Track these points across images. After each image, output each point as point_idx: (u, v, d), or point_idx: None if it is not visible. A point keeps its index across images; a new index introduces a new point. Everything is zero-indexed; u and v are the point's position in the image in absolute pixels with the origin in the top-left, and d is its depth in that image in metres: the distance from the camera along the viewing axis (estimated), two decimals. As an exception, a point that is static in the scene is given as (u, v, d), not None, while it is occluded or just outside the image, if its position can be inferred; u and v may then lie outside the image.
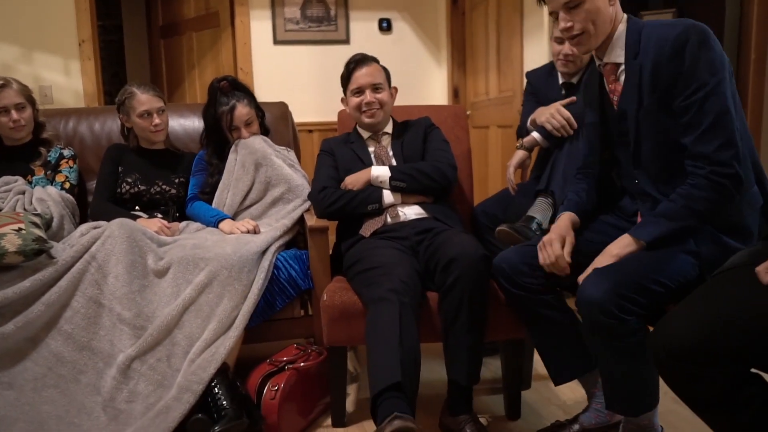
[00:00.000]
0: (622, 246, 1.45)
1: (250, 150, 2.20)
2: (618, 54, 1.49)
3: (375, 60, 2.14)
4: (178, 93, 4.54)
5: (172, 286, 1.82)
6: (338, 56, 4.21)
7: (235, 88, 2.30)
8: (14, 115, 2.25)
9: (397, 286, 1.63)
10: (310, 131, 4.10)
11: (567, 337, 1.64)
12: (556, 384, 1.68)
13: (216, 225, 2.12)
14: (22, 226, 1.83)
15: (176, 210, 2.31)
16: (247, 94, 2.31)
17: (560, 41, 2.07)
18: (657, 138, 1.46)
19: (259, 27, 4.19)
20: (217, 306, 1.79)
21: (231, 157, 2.24)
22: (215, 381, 1.68)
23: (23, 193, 2.19)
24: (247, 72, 4.12)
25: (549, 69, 2.28)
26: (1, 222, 1.82)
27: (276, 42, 4.21)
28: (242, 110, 2.25)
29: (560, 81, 2.19)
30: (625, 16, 1.49)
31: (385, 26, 4.37)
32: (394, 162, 2.09)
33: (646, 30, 1.45)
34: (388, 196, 1.97)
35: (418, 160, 2.08)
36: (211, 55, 4.40)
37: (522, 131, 2.26)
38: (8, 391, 1.71)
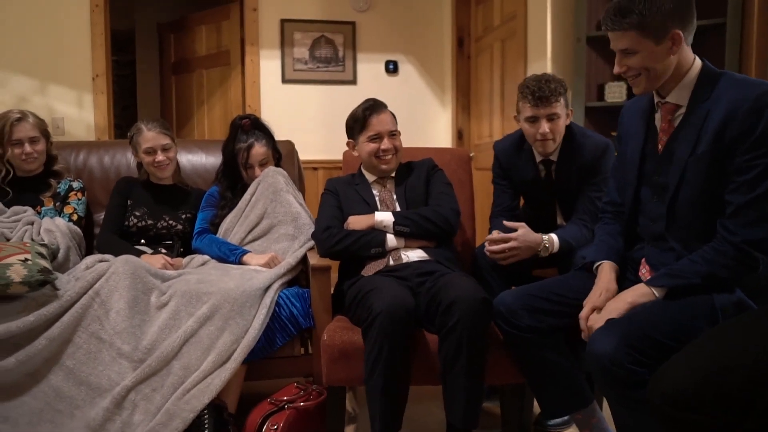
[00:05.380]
0: (637, 295, 1.45)
1: (267, 183, 2.24)
2: (683, 96, 1.47)
3: (386, 106, 2.17)
4: (187, 128, 4.62)
5: (173, 319, 1.84)
6: (345, 96, 4.34)
7: (256, 127, 2.36)
8: (27, 148, 2.30)
9: (388, 301, 1.65)
10: (315, 169, 4.16)
11: (563, 375, 1.67)
12: (550, 419, 1.69)
13: (238, 259, 2.14)
14: (28, 256, 1.85)
15: (181, 245, 2.33)
16: (267, 134, 2.37)
17: (533, 120, 2.00)
18: (701, 187, 1.43)
19: (269, 66, 4.29)
20: (217, 339, 1.80)
21: (249, 190, 2.27)
22: (206, 413, 1.69)
23: (32, 223, 2.22)
24: (254, 109, 4.20)
25: (518, 142, 2.18)
26: (8, 252, 1.84)
27: (284, 81, 4.31)
28: (259, 150, 2.30)
29: (537, 159, 2.13)
30: (700, 62, 1.48)
31: (392, 68, 4.47)
32: (398, 206, 2.12)
33: (724, 79, 1.43)
34: (391, 240, 1.99)
35: (421, 204, 2.11)
36: (221, 92, 4.49)
37: (494, 223, 2.17)
38: (3, 424, 1.70)
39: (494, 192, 2.30)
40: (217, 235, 2.27)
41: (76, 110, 4.08)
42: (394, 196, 2.15)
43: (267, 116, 4.21)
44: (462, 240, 2.35)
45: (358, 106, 2.16)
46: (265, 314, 1.86)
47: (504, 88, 3.70)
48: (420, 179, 2.17)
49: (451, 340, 1.65)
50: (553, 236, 2.00)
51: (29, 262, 1.82)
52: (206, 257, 2.19)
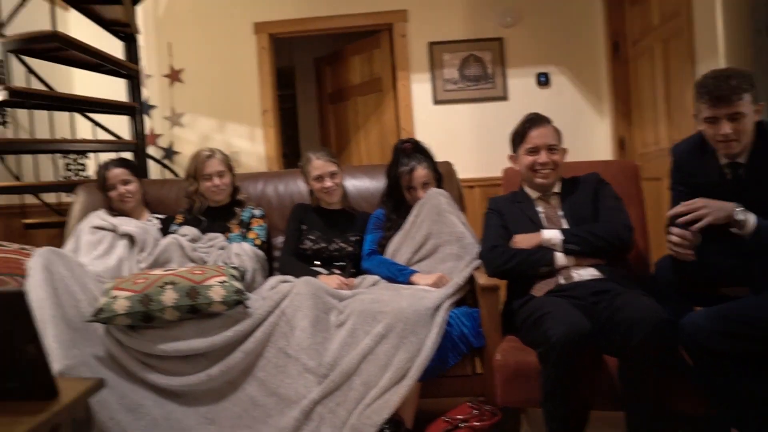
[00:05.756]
0: None
1: (431, 205, 2.31)
2: None
3: (549, 120, 2.15)
4: (346, 153, 4.88)
5: (351, 336, 1.95)
6: (497, 112, 4.33)
7: (417, 150, 2.46)
8: (216, 181, 2.59)
9: (565, 326, 1.60)
10: (471, 187, 4.17)
11: (765, 407, 1.49)
12: None
13: (407, 279, 2.22)
14: (225, 278, 2.07)
15: (352, 266, 2.46)
16: (427, 157, 2.46)
17: (712, 120, 1.79)
18: None
19: (420, 89, 4.41)
20: (393, 356, 1.87)
21: (413, 212, 2.36)
22: (386, 428, 1.76)
23: (223, 248, 2.49)
24: (408, 132, 4.33)
25: (700, 144, 1.96)
26: (209, 275, 2.07)
27: (436, 102, 4.40)
28: (420, 172, 2.39)
29: (722, 161, 1.89)
30: None
31: (543, 80, 4.38)
32: (564, 222, 2.07)
33: None
34: (560, 258, 1.95)
35: (590, 220, 2.04)
36: (375, 117, 4.70)
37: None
38: (211, 426, 1.90)
39: (672, 198, 2.12)
40: (385, 256, 2.37)
41: (249, 143, 4.51)
42: (560, 213, 2.10)
43: (421, 137, 4.28)
44: (635, 257, 2.23)
45: (521, 120, 2.16)
46: (437, 333, 1.91)
47: (669, 91, 3.45)
48: (586, 195, 2.11)
49: (633, 363, 1.58)
50: (750, 214, 1.70)
51: (226, 284, 2.03)
52: (376, 277, 2.30)
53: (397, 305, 1.94)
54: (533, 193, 2.17)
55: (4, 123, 3.69)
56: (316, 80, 5.53)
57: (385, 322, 1.90)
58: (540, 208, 2.13)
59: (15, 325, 1.09)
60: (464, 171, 3.87)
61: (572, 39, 4.36)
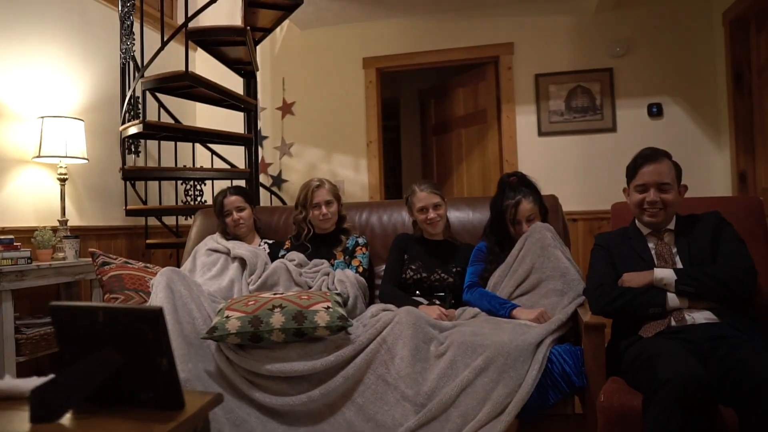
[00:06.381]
0: None
1: (535, 239, 2.28)
2: None
3: (666, 155, 2.03)
4: (447, 185, 4.92)
5: (450, 368, 1.94)
6: (604, 145, 4.21)
7: (523, 183, 2.44)
8: (324, 209, 2.71)
9: (677, 370, 1.50)
10: (575, 220, 4.06)
11: None
12: None
13: (508, 313, 2.20)
14: (329, 304, 2.14)
15: (452, 297, 2.47)
16: (533, 190, 2.44)
17: None
18: None
19: (525, 120, 4.38)
20: (492, 390, 1.84)
21: (517, 246, 2.34)
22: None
23: (327, 274, 2.58)
24: (512, 164, 4.30)
25: None
26: (315, 300, 2.16)
27: (540, 134, 4.35)
28: (526, 206, 2.37)
29: None
30: None
31: (655, 111, 4.21)
32: (678, 261, 1.96)
33: None
34: (673, 300, 1.84)
35: (708, 262, 1.91)
36: (479, 149, 4.70)
37: None
38: (309, 447, 1.97)
39: None
40: (486, 289, 2.35)
41: (353, 173, 4.66)
42: (674, 250, 2.00)
43: (524, 169, 4.26)
44: (759, 304, 2.06)
45: (637, 154, 2.08)
46: (538, 369, 1.87)
47: (800, 123, 3.20)
48: (706, 234, 1.98)
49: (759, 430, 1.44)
50: None
51: (331, 310, 2.10)
52: (476, 310, 2.29)
53: (497, 339, 1.92)
54: (644, 229, 2.08)
55: (137, 152, 4.08)
56: (420, 112, 5.64)
57: (485, 355, 1.88)
58: (651, 245, 2.04)
59: (152, 340, 1.20)
60: (567, 203, 3.78)
61: (688, 68, 4.17)
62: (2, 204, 3.10)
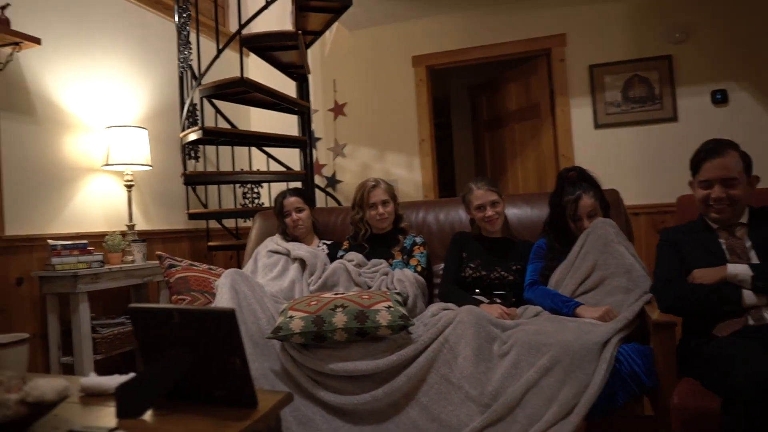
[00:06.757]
0: None
1: (597, 235, 2.23)
2: None
3: (732, 147, 1.94)
4: (502, 181, 4.86)
5: (514, 367, 1.92)
6: (664, 135, 4.07)
7: (583, 178, 2.39)
8: (380, 209, 2.72)
9: (757, 373, 1.43)
10: (636, 214, 3.94)
11: None
12: None
13: (571, 311, 2.17)
14: (390, 304, 2.16)
15: (513, 295, 2.44)
16: (594, 185, 2.38)
17: None
18: None
19: (580, 113, 4.28)
20: (558, 391, 1.82)
21: (578, 242, 2.30)
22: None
23: (386, 274, 2.60)
24: (568, 158, 4.21)
25: None
26: (375, 300, 2.18)
27: (597, 126, 4.24)
28: (587, 201, 2.32)
29: None
30: None
31: (719, 98, 4.03)
32: (754, 256, 1.88)
33: None
34: (749, 297, 1.77)
35: None
36: (533, 144, 4.63)
37: None
38: (373, 447, 1.98)
39: None
40: (548, 287, 2.32)
41: (406, 172, 4.67)
42: (748, 244, 1.91)
43: (580, 163, 4.20)
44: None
45: (700, 147, 2.00)
46: (606, 369, 1.82)
47: None
48: (782, 226, 1.89)
49: None
50: None
51: (392, 309, 2.12)
52: (538, 308, 2.26)
53: (562, 338, 1.89)
54: (714, 224, 2.00)
55: (197, 158, 4.21)
56: (471, 108, 5.59)
57: (549, 354, 1.86)
58: (722, 240, 1.96)
59: (226, 340, 1.24)
60: (628, 197, 3.68)
61: (756, 51, 3.98)
62: (75, 210, 3.26)
